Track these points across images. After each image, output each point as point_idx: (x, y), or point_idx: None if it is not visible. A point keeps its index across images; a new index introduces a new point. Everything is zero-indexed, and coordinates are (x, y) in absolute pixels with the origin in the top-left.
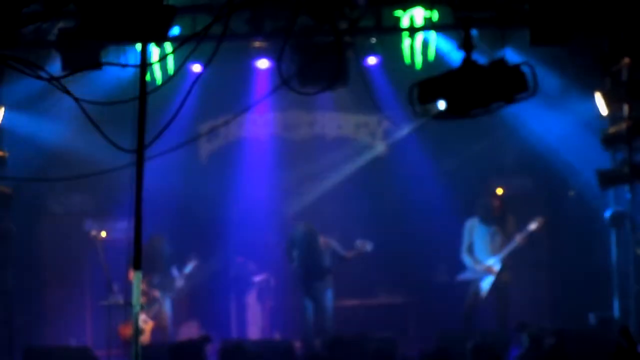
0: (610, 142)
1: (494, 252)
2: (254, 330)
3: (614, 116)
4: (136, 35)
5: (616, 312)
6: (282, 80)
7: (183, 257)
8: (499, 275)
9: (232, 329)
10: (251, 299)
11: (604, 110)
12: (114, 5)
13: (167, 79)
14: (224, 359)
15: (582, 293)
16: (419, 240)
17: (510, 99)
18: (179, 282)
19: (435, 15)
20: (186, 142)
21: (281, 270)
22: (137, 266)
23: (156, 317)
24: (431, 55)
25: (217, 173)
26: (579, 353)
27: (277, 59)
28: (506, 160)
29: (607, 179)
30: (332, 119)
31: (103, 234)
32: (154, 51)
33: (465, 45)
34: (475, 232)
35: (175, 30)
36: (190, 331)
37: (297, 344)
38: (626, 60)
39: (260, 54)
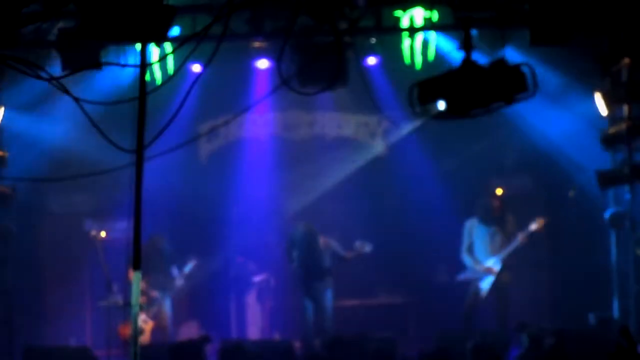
0: (610, 142)
1: (493, 253)
2: (254, 330)
3: (613, 116)
4: (136, 35)
5: (616, 312)
6: (282, 80)
7: (183, 257)
8: (498, 275)
9: (231, 329)
10: (251, 299)
11: (603, 110)
12: (114, 5)
13: (167, 79)
14: (223, 359)
15: (581, 293)
16: (418, 240)
17: (510, 100)
18: (179, 282)
19: (435, 16)
20: (186, 142)
21: (281, 271)
22: (136, 266)
23: (156, 317)
24: (431, 55)
25: (217, 173)
26: (578, 353)
27: (277, 59)
28: (506, 160)
29: (607, 179)
30: (332, 119)
31: (103, 233)
32: (154, 51)
33: (465, 45)
34: (475, 232)
35: (175, 31)
36: (190, 331)
37: (297, 344)
38: (626, 60)
39: (260, 54)
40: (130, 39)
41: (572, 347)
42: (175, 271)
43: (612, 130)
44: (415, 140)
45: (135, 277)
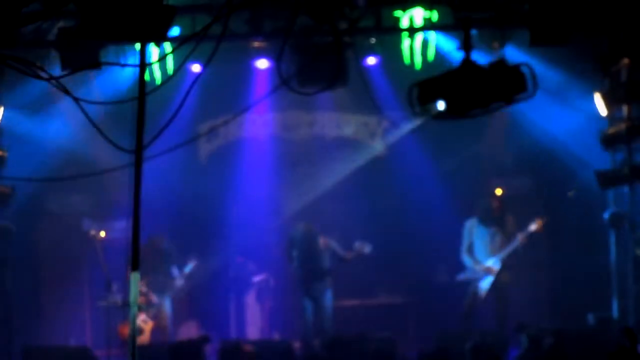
0: (609, 142)
1: (493, 253)
2: (253, 330)
3: (613, 117)
4: (136, 35)
5: (615, 312)
6: (282, 80)
7: (183, 257)
8: (498, 275)
9: (231, 328)
10: (250, 299)
11: (603, 111)
12: (114, 5)
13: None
14: (223, 359)
15: (581, 293)
16: (418, 240)
17: (510, 100)
18: (179, 282)
19: (434, 16)
20: (186, 142)
21: (280, 271)
22: (134, 267)
23: (156, 317)
24: (431, 55)
25: (216, 173)
26: (577, 353)
27: (276, 59)
28: (506, 160)
29: (607, 179)
30: (331, 119)
31: (102, 233)
32: (154, 51)
33: (465, 45)
34: (475, 232)
35: (175, 31)
36: (189, 331)
37: (297, 344)
38: (625, 60)
39: (260, 54)
40: (130, 39)
41: (571, 347)
42: (175, 271)
43: (611, 130)
44: (414, 140)
45: (133, 277)
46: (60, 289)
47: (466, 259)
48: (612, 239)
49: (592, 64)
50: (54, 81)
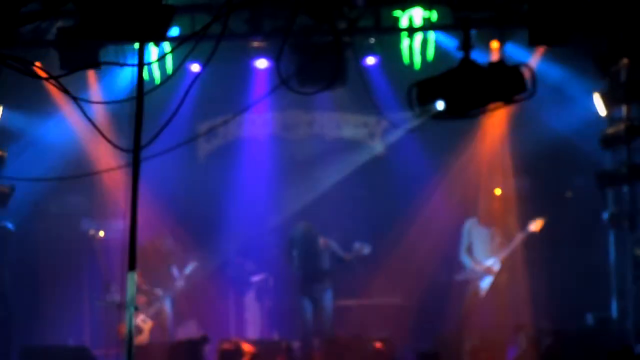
0: (609, 142)
1: (493, 253)
2: (253, 330)
3: (612, 117)
4: (135, 34)
5: (614, 312)
6: (281, 80)
7: (182, 257)
8: (497, 275)
9: (230, 328)
10: (250, 298)
11: (602, 111)
12: (113, 4)
13: (165, 78)
14: (222, 358)
15: (580, 293)
16: (417, 241)
17: (509, 100)
18: (179, 283)
19: (434, 16)
20: (185, 142)
21: (280, 270)
22: (131, 267)
23: (156, 317)
24: (430, 55)
25: (215, 173)
26: (576, 353)
27: (276, 58)
28: (505, 160)
29: (606, 179)
30: (331, 119)
31: (101, 233)
32: (153, 51)
33: (464, 45)
34: (474, 232)
35: (174, 31)
36: (188, 331)
37: (296, 344)
38: (625, 61)
39: (259, 53)
40: (129, 39)
41: (570, 347)
42: (175, 271)
43: (610, 130)
44: (414, 140)
45: (129, 277)
46: (59, 288)
47: (465, 259)
48: (612, 239)
49: (592, 63)
50: (52, 81)
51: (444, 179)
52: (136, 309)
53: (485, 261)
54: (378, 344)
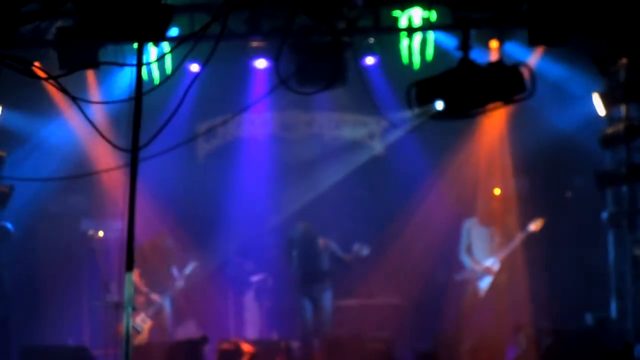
0: (608, 142)
1: (492, 253)
2: (252, 330)
3: (611, 117)
4: (134, 34)
5: (613, 312)
6: (280, 79)
7: (182, 258)
8: (496, 275)
9: (230, 328)
10: (249, 298)
11: (601, 110)
12: (112, 4)
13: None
14: (221, 358)
15: (579, 293)
16: (417, 240)
17: (508, 100)
18: (179, 283)
19: (433, 15)
20: (184, 142)
21: (279, 270)
22: (129, 267)
23: (155, 317)
24: (429, 55)
25: (214, 173)
26: (576, 353)
27: (275, 58)
28: (505, 160)
29: (605, 179)
30: (330, 119)
31: (100, 233)
32: (152, 51)
33: (463, 45)
34: (474, 232)
35: (174, 31)
36: (187, 330)
37: (295, 344)
38: (624, 61)
39: (259, 53)
40: (129, 39)
41: (569, 347)
42: (175, 272)
43: (610, 130)
44: (413, 140)
45: (127, 278)
46: (59, 288)
47: (465, 259)
48: (611, 239)
49: (591, 63)
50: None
51: (444, 178)
52: (134, 309)
53: (485, 261)
54: (377, 344)
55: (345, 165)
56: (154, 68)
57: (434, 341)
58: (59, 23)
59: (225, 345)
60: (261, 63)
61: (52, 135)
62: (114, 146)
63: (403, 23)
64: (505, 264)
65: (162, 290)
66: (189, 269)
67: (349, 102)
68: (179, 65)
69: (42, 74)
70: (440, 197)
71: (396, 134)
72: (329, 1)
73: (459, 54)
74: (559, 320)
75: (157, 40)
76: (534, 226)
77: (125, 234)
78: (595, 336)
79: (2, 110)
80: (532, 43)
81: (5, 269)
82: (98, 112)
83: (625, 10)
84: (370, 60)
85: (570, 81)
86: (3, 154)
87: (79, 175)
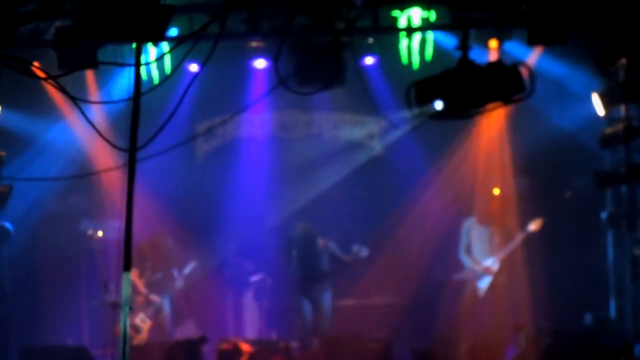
0: (607, 142)
1: (492, 253)
2: (251, 330)
3: (611, 117)
4: (133, 34)
5: (612, 312)
6: (280, 80)
7: (181, 258)
8: (496, 275)
9: (229, 328)
10: (248, 298)
11: (601, 111)
12: (111, 4)
13: (164, 78)
14: (221, 358)
15: (578, 293)
16: (416, 240)
17: (508, 100)
18: (178, 283)
19: (432, 15)
20: (183, 142)
21: (278, 271)
22: (126, 267)
23: (155, 317)
24: (428, 55)
25: (214, 173)
26: (575, 353)
27: (274, 58)
28: (504, 160)
29: (605, 179)
30: (329, 119)
31: (99, 233)
32: (151, 51)
33: (462, 45)
34: (474, 232)
35: (173, 31)
36: (186, 330)
37: (294, 344)
38: (623, 61)
39: (258, 53)
40: (128, 39)
41: (569, 346)
42: (175, 272)
43: (609, 130)
44: (413, 140)
45: (124, 278)
46: (58, 288)
47: (465, 258)
48: (610, 239)
49: (591, 63)
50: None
51: (443, 178)
52: (131, 309)
53: (484, 261)
54: (376, 344)
55: (344, 165)
56: (153, 68)
57: (433, 341)
58: (58, 23)
59: (225, 345)
60: (260, 63)
61: (53, 136)
62: (113, 146)
63: (402, 23)
64: (505, 264)
65: (162, 290)
66: (188, 268)
67: (348, 102)
68: (178, 65)
69: (41, 74)
70: (440, 197)
71: (395, 134)
72: (328, 1)
73: (458, 54)
74: (559, 320)
75: (156, 40)
76: (534, 226)
77: (123, 234)
78: (594, 336)
79: (1, 110)
80: (531, 43)
81: (4, 268)
82: (98, 113)
83: (624, 10)
84: (369, 60)
85: (570, 80)
86: (2, 153)
87: (78, 176)
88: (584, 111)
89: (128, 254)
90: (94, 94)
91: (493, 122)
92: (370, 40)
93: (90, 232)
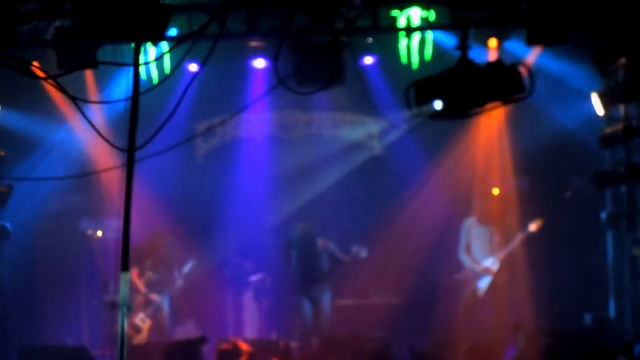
0: (607, 142)
1: (491, 253)
2: (251, 330)
3: (610, 117)
4: (133, 34)
5: (612, 312)
6: (279, 79)
7: (180, 257)
8: (496, 275)
9: (228, 328)
10: (247, 298)
11: (600, 110)
12: (111, 4)
13: (163, 78)
14: (220, 358)
15: (578, 293)
16: (415, 240)
17: (507, 100)
18: (178, 282)
19: (432, 15)
20: (183, 141)
21: (278, 270)
22: (124, 267)
23: (154, 316)
24: (428, 54)
25: (213, 173)
26: (574, 353)
27: (273, 58)
28: (504, 160)
29: (604, 179)
30: (328, 119)
31: (99, 233)
32: (151, 50)
33: (462, 45)
34: (473, 232)
35: (173, 31)
36: (186, 330)
37: (294, 344)
38: (622, 60)
39: (257, 53)
40: (127, 38)
41: (568, 346)
42: (174, 271)
43: (608, 130)
44: (412, 139)
45: (122, 278)
46: (58, 288)
47: (464, 258)
48: (609, 239)
49: (590, 63)
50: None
51: (442, 178)
52: (129, 309)
53: (484, 261)
54: (375, 344)
55: (343, 165)
56: (153, 68)
57: (432, 341)
58: (58, 23)
59: (224, 345)
60: (260, 63)
61: (54, 136)
62: (112, 145)
63: (402, 23)
64: (505, 264)
65: (161, 289)
66: (187, 267)
67: (347, 102)
68: (177, 65)
69: (41, 74)
70: (439, 197)
71: (395, 134)
72: (327, 1)
73: (457, 54)
74: (558, 319)
75: (155, 40)
76: (534, 227)
77: (121, 233)
78: (594, 336)
79: (1, 109)
80: (530, 43)
81: (4, 268)
82: (98, 113)
83: (623, 10)
84: (368, 60)
85: (569, 79)
86: (2, 153)
87: (78, 175)
88: (583, 111)
89: (126, 254)
90: (93, 94)
91: (492, 122)
92: (370, 40)
93: (89, 232)
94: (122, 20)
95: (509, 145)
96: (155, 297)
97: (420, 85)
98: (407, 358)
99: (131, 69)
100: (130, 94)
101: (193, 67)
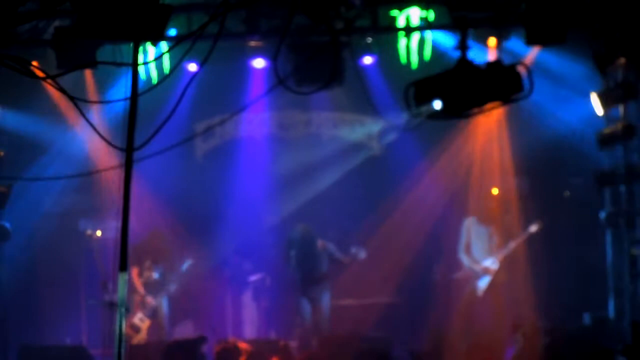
0: (606, 142)
1: (491, 253)
2: (250, 330)
3: (609, 116)
4: (132, 34)
5: (611, 312)
6: (278, 79)
7: (179, 257)
8: (495, 275)
9: (228, 328)
10: (247, 298)
11: (599, 110)
12: (110, 4)
13: (162, 78)
14: (219, 358)
15: (577, 292)
16: (414, 240)
17: (507, 100)
18: (177, 282)
19: (431, 15)
20: (182, 141)
21: (277, 270)
22: (122, 267)
23: (153, 316)
24: (427, 54)
25: (212, 172)
26: (574, 352)
27: (273, 58)
28: (503, 160)
29: (603, 179)
30: (328, 119)
31: (98, 233)
32: (150, 50)
33: (461, 45)
34: (473, 231)
35: (172, 31)
36: (185, 330)
37: (293, 343)
38: (621, 60)
39: (256, 53)
40: (126, 38)
41: (567, 346)
42: (173, 270)
43: (608, 130)
44: (411, 139)
45: (120, 278)
46: (57, 288)
47: (464, 258)
48: (609, 239)
49: (589, 63)
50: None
51: (441, 178)
52: (127, 310)
53: (484, 260)
54: (375, 343)
55: (343, 165)
56: (152, 68)
57: (431, 340)
58: (57, 23)
59: (223, 345)
60: (259, 63)
61: (54, 136)
62: (111, 145)
63: (401, 23)
64: (504, 264)
65: (160, 289)
66: (184, 266)
67: (346, 101)
68: (176, 65)
69: (40, 74)
70: (438, 197)
71: (394, 134)
72: (326, 1)
73: (457, 54)
74: (557, 319)
75: (155, 40)
76: (535, 227)
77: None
78: (593, 335)
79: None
80: (529, 43)
81: (4, 268)
82: (98, 114)
83: (623, 10)
84: (368, 60)
85: (569, 79)
86: (1, 153)
87: (78, 176)
88: (582, 111)
89: (124, 254)
90: (93, 94)
91: (492, 122)
92: (369, 39)
93: (89, 231)
94: (122, 20)
95: (508, 145)
96: (154, 296)
97: (420, 85)
98: (406, 358)
99: (130, 68)
100: (129, 94)
101: (192, 67)
